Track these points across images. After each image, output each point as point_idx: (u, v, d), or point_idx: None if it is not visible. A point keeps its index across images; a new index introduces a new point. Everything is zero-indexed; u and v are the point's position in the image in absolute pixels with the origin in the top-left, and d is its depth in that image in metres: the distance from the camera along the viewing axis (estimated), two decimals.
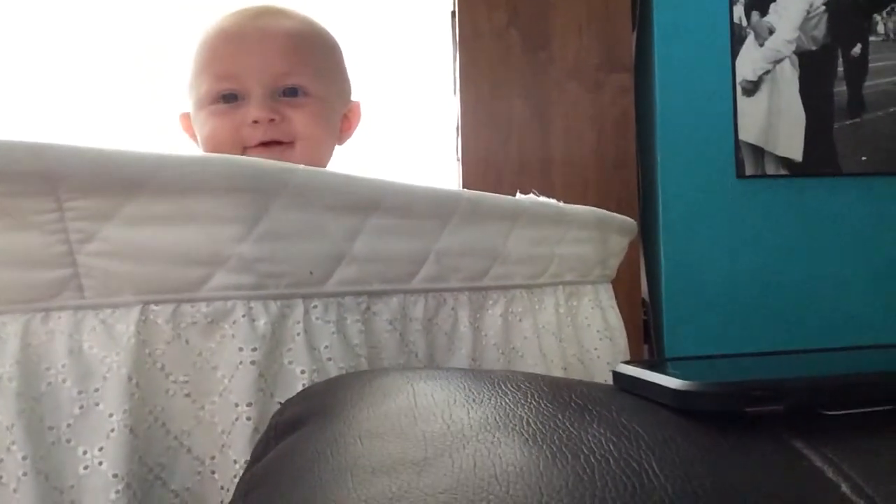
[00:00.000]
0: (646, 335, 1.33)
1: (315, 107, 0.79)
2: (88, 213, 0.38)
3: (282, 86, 0.77)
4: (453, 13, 1.57)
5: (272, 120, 0.75)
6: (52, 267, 0.38)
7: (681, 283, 1.30)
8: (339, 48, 0.86)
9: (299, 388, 0.40)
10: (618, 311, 0.69)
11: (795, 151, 1.34)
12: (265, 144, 0.76)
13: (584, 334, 0.63)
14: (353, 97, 0.89)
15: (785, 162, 1.34)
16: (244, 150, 0.75)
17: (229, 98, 0.76)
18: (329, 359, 0.43)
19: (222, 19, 0.79)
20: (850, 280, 1.31)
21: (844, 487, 0.22)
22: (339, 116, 0.85)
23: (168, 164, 0.39)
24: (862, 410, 0.27)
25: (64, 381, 0.38)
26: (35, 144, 0.36)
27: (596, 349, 0.63)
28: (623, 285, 0.80)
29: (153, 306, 0.40)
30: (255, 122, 0.75)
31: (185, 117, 0.83)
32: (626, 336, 0.68)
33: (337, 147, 0.88)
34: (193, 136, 0.83)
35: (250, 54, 0.76)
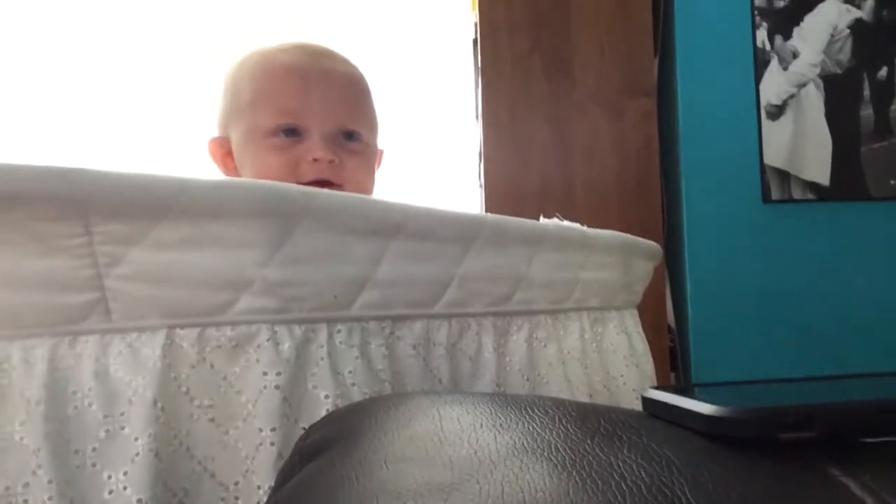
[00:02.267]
0: (672, 362, 1.31)
1: (366, 154, 0.82)
2: (116, 237, 0.38)
3: (342, 129, 0.79)
4: (475, 41, 1.59)
5: (332, 161, 0.77)
6: (80, 291, 0.38)
7: (707, 309, 1.28)
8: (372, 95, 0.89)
9: (323, 412, 0.40)
10: (644, 336, 0.68)
11: (822, 175, 1.33)
12: (319, 183, 0.77)
13: (610, 360, 0.62)
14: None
15: (812, 186, 1.33)
16: None
17: (290, 133, 0.77)
18: (353, 384, 0.43)
19: (281, 53, 0.80)
20: (880, 305, 1.28)
21: None
22: (376, 162, 0.88)
23: (193, 188, 0.40)
24: None
25: (90, 404, 0.38)
26: (64, 169, 0.37)
27: (622, 376, 0.63)
28: (648, 312, 0.79)
29: (179, 330, 0.40)
30: (316, 160, 0.76)
31: (218, 143, 0.83)
32: (652, 362, 0.67)
33: None
34: (223, 162, 0.83)
35: (316, 94, 0.78)
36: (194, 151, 0.88)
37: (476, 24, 1.47)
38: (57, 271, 0.38)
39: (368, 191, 0.84)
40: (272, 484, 0.35)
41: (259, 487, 0.39)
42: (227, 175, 0.82)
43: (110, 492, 0.37)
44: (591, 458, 0.25)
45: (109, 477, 0.37)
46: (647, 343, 0.68)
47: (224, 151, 0.82)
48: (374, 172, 0.86)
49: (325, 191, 0.45)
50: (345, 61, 0.84)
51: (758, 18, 1.36)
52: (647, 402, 0.32)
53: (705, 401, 0.28)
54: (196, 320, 0.40)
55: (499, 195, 1.34)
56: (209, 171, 0.87)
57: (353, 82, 0.82)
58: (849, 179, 1.33)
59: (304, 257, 0.43)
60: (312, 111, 0.77)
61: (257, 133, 0.78)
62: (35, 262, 0.38)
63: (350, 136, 0.80)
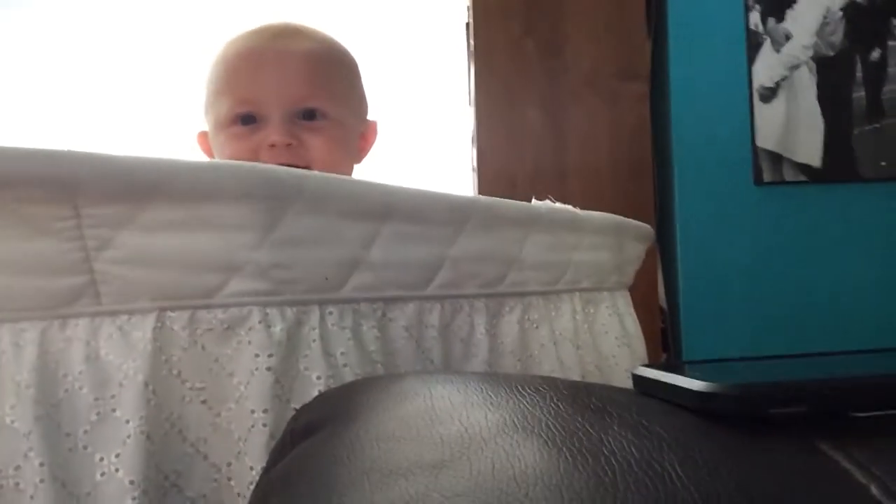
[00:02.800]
0: (664, 343, 1.31)
1: (332, 130, 0.79)
2: (105, 219, 0.38)
3: (300, 108, 0.77)
4: (468, 24, 1.58)
5: (289, 144, 0.75)
6: (70, 274, 0.38)
7: (699, 290, 1.29)
8: (356, 67, 0.86)
9: (315, 394, 0.40)
10: (636, 318, 0.68)
11: (814, 157, 1.33)
12: None
13: (602, 341, 0.63)
14: (370, 112, 0.90)
15: (804, 168, 1.33)
16: None
17: (248, 120, 0.76)
18: (345, 365, 0.43)
19: (239, 39, 0.79)
20: (871, 286, 1.29)
21: (873, 489, 0.22)
22: (356, 137, 0.85)
23: (184, 170, 0.39)
24: (888, 413, 0.27)
25: (81, 387, 0.38)
26: (53, 151, 0.36)
27: (614, 356, 0.63)
28: (640, 293, 0.79)
29: (170, 313, 0.40)
30: (273, 145, 0.75)
31: (203, 136, 0.83)
32: (644, 343, 0.68)
33: (358, 164, 0.88)
34: (210, 155, 0.83)
35: (269, 77, 0.76)
36: (190, 139, 0.88)
37: (469, 8, 1.46)
38: (46, 254, 0.38)
39: (343, 168, 0.82)
40: (264, 465, 0.35)
41: (251, 468, 0.39)
42: None
43: (102, 474, 0.37)
44: (581, 434, 0.25)
45: (101, 459, 0.37)
46: (638, 324, 0.68)
47: (208, 144, 0.83)
48: (348, 147, 0.83)
49: (316, 173, 0.44)
50: (307, 37, 0.80)
51: (750, 1, 1.35)
52: (637, 379, 0.32)
53: (696, 377, 0.28)
54: (187, 303, 0.40)
55: (491, 179, 1.33)
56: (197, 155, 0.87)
57: (312, 58, 0.79)
58: (840, 161, 1.33)
59: (295, 239, 0.43)
60: (267, 95, 0.76)
61: (221, 124, 0.78)
62: (23, 245, 0.38)
63: (310, 114, 0.77)
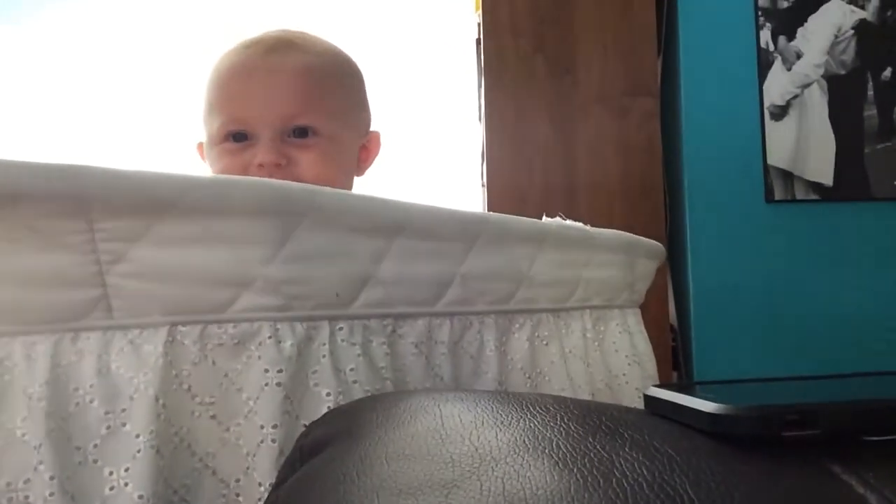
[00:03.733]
0: (674, 361, 1.31)
1: (325, 146, 0.77)
2: (118, 233, 0.38)
3: (290, 126, 0.75)
4: (478, 41, 1.59)
5: (278, 165, 0.74)
6: (82, 287, 0.38)
7: (710, 308, 1.28)
8: (357, 77, 0.84)
9: (325, 410, 0.40)
10: (646, 336, 0.68)
11: (826, 176, 1.33)
12: None
13: (612, 359, 0.62)
14: (378, 126, 0.88)
15: (815, 186, 1.32)
16: None
17: (239, 137, 0.76)
18: (355, 381, 0.43)
19: (232, 52, 0.77)
20: (884, 305, 1.28)
21: None
22: (354, 150, 0.83)
23: (196, 185, 0.40)
24: None
25: (92, 401, 0.38)
26: (67, 166, 0.37)
27: (624, 374, 0.62)
28: (651, 311, 0.79)
29: (181, 327, 0.40)
30: (261, 165, 0.73)
31: (202, 147, 0.83)
32: (655, 361, 0.67)
33: (361, 177, 0.87)
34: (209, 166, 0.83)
35: (258, 95, 0.75)
36: (193, 150, 0.88)
37: (479, 24, 1.47)
38: (59, 268, 0.38)
39: (339, 184, 0.78)
40: (273, 481, 0.35)
41: (260, 484, 0.39)
42: None
43: (111, 488, 0.37)
44: (592, 455, 0.25)
45: (111, 473, 0.37)
46: (649, 342, 0.67)
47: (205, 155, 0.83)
48: (344, 162, 0.81)
49: (328, 189, 0.45)
50: (301, 49, 0.78)
51: (762, 19, 1.36)
52: (649, 399, 0.32)
53: (707, 399, 0.27)
54: (198, 317, 0.40)
55: (501, 195, 1.34)
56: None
57: (303, 73, 0.76)
58: (852, 180, 1.33)
59: (306, 255, 0.43)
60: (256, 114, 0.74)
61: (213, 139, 0.77)
62: (37, 259, 0.38)
63: (303, 132, 0.76)
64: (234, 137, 0.76)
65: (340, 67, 0.82)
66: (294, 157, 0.75)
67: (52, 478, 0.36)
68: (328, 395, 0.41)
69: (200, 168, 0.86)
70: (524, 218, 0.56)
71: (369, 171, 0.89)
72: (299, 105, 0.75)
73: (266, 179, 0.42)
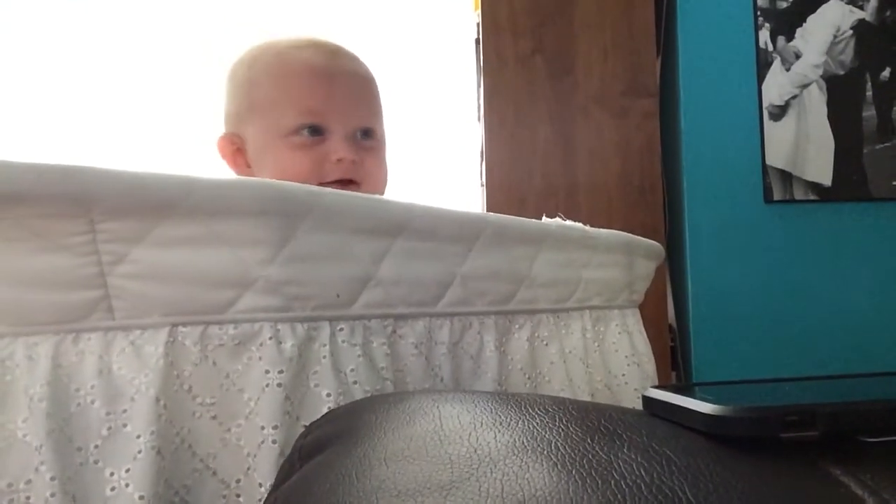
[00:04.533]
0: (673, 361, 1.31)
1: (381, 150, 0.84)
2: (120, 235, 0.38)
3: (361, 127, 0.80)
4: (477, 41, 1.59)
5: (354, 161, 0.78)
6: (84, 288, 0.39)
7: (708, 309, 1.28)
8: None
9: (325, 410, 0.40)
10: (646, 336, 0.68)
11: (824, 176, 1.33)
12: (342, 182, 0.78)
13: (612, 360, 0.63)
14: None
15: (814, 187, 1.32)
16: (320, 185, 0.76)
17: (313, 132, 0.78)
18: (355, 382, 0.43)
19: (298, 51, 0.80)
20: (881, 305, 1.28)
21: None
22: None
23: (198, 186, 0.40)
24: None
25: (93, 402, 0.38)
26: (68, 167, 0.37)
27: (623, 375, 0.63)
28: (650, 311, 0.79)
29: (181, 328, 0.40)
30: (340, 160, 0.77)
31: (229, 140, 0.82)
32: (654, 362, 0.67)
33: None
34: (233, 160, 0.81)
35: (339, 94, 0.79)
36: (195, 149, 0.87)
37: (478, 24, 1.47)
38: (61, 269, 0.38)
39: (383, 182, 0.85)
40: (273, 481, 0.35)
41: (261, 485, 0.39)
42: (238, 172, 0.81)
43: (112, 489, 0.37)
44: (591, 456, 0.25)
45: (112, 474, 0.37)
46: (648, 342, 0.68)
47: (234, 148, 0.81)
48: (386, 165, 0.87)
49: (329, 190, 0.45)
50: (357, 59, 0.85)
51: (760, 19, 1.36)
52: (647, 401, 0.32)
53: (706, 400, 0.28)
54: (199, 318, 0.40)
55: (501, 196, 1.34)
56: (210, 169, 0.86)
57: (369, 80, 0.84)
58: (851, 180, 1.33)
59: (307, 256, 0.43)
60: (336, 111, 0.78)
61: (280, 131, 0.78)
62: (39, 260, 0.38)
63: (367, 133, 0.81)
64: (309, 131, 0.77)
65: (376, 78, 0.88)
66: (362, 157, 0.80)
67: (53, 478, 0.36)
68: (328, 395, 0.41)
69: (201, 166, 0.85)
70: (524, 218, 0.56)
71: None
72: (369, 108, 0.82)
73: (266, 180, 0.43)
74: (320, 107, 0.78)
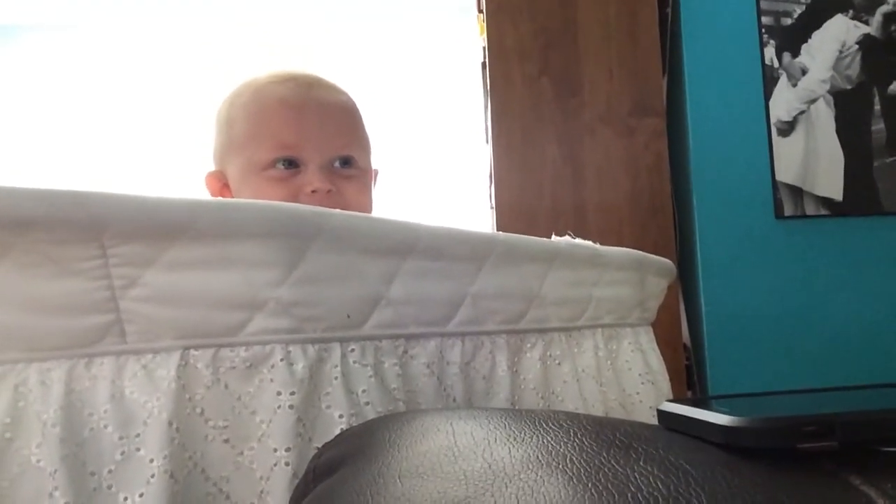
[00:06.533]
0: (688, 379, 1.30)
1: (362, 178, 0.83)
2: (131, 259, 0.39)
3: (337, 156, 0.80)
4: (484, 65, 1.60)
5: (329, 191, 0.78)
6: (96, 313, 0.39)
7: (722, 326, 1.27)
8: None
9: (337, 432, 0.40)
10: (659, 354, 0.68)
11: (835, 191, 1.32)
12: None
13: (625, 378, 0.62)
14: (388, 151, 0.91)
15: (825, 202, 1.32)
16: None
17: (288, 164, 0.79)
18: (367, 403, 0.43)
19: (276, 87, 0.81)
20: (895, 318, 1.27)
21: None
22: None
23: (208, 209, 0.40)
24: None
25: (106, 426, 0.38)
26: (80, 193, 0.37)
27: (638, 393, 0.62)
28: (663, 330, 0.79)
29: (193, 351, 0.40)
30: (314, 191, 0.77)
31: (216, 177, 0.84)
32: (668, 380, 0.67)
33: None
34: (221, 195, 0.83)
35: (312, 125, 0.79)
36: (196, 182, 0.88)
37: (484, 49, 1.48)
38: (73, 294, 0.38)
39: (367, 211, 0.85)
40: None
41: None
42: None
43: None
44: (606, 470, 0.25)
45: (125, 499, 0.37)
46: (662, 360, 0.67)
47: (221, 185, 0.83)
48: (370, 193, 0.87)
49: (338, 211, 0.45)
50: (336, 89, 0.85)
51: (765, 36, 1.36)
52: (662, 414, 0.31)
53: (722, 412, 0.27)
54: (210, 341, 0.40)
55: (510, 216, 1.34)
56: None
57: (346, 110, 0.84)
58: (861, 194, 1.32)
59: (317, 277, 0.43)
60: (309, 143, 0.79)
61: (255, 166, 0.79)
62: (51, 285, 0.38)
63: (346, 162, 0.81)
64: (283, 164, 0.78)
65: (358, 107, 0.88)
66: (339, 186, 0.80)
67: None
68: (341, 416, 0.41)
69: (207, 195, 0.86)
70: (533, 237, 0.56)
71: (384, 193, 0.92)
72: (346, 137, 0.82)
73: (276, 202, 0.43)
74: (293, 139, 0.78)
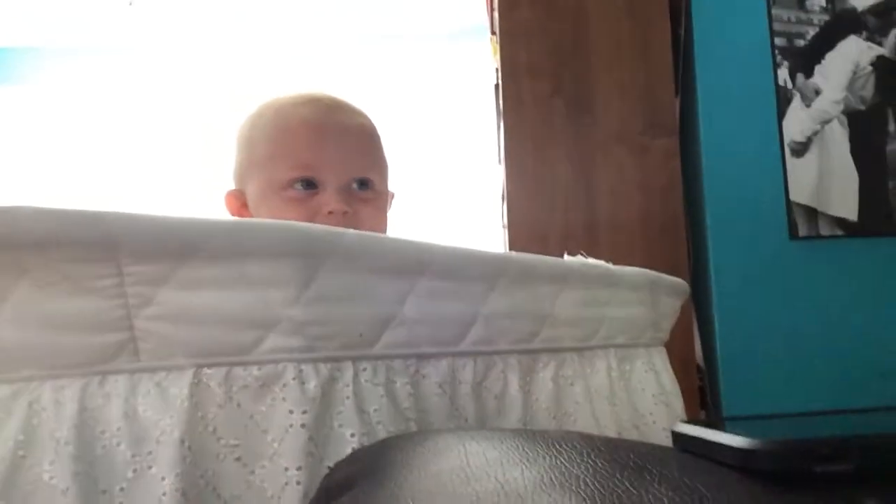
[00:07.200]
0: (702, 400, 1.28)
1: (378, 201, 0.84)
2: (146, 277, 0.39)
3: (355, 178, 0.81)
4: (496, 85, 1.61)
5: (346, 212, 0.79)
6: (111, 331, 0.39)
7: (736, 347, 1.26)
8: None
9: (348, 451, 0.40)
10: (673, 375, 0.67)
11: (850, 211, 1.31)
12: None
13: (639, 399, 0.62)
14: (402, 171, 0.92)
15: (840, 222, 1.31)
16: None
17: (307, 185, 0.79)
18: (378, 422, 0.43)
19: (297, 108, 0.82)
20: None
21: None
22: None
23: (222, 228, 0.40)
24: None
25: (118, 444, 0.38)
26: (97, 212, 0.38)
27: (651, 414, 0.61)
28: (676, 350, 0.78)
29: (206, 369, 0.40)
30: (331, 212, 0.78)
31: (235, 196, 0.85)
32: (682, 401, 0.66)
33: None
34: (239, 214, 0.84)
35: (331, 147, 0.80)
36: (215, 201, 0.89)
37: (497, 70, 1.49)
38: (88, 312, 0.39)
39: (382, 233, 0.86)
40: None
41: None
42: None
43: None
44: (620, 492, 0.24)
45: None
46: (676, 381, 0.67)
47: (239, 204, 0.84)
48: (386, 216, 0.88)
49: (352, 231, 0.45)
50: (357, 112, 0.86)
51: (778, 57, 1.36)
52: (677, 436, 0.31)
53: (737, 434, 0.27)
54: (223, 359, 0.40)
55: (522, 236, 1.34)
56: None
57: (365, 133, 0.85)
58: (877, 214, 1.31)
59: (330, 296, 0.43)
60: (328, 164, 0.80)
61: (274, 186, 0.80)
62: (67, 303, 0.38)
63: (363, 184, 0.82)
64: (302, 184, 0.79)
65: (377, 131, 0.88)
66: (356, 208, 0.81)
67: None
68: (352, 435, 0.41)
69: (224, 214, 0.87)
70: (546, 257, 0.56)
71: (397, 213, 0.94)
72: (365, 160, 0.83)
73: (289, 222, 0.43)
74: (313, 160, 0.79)
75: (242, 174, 0.84)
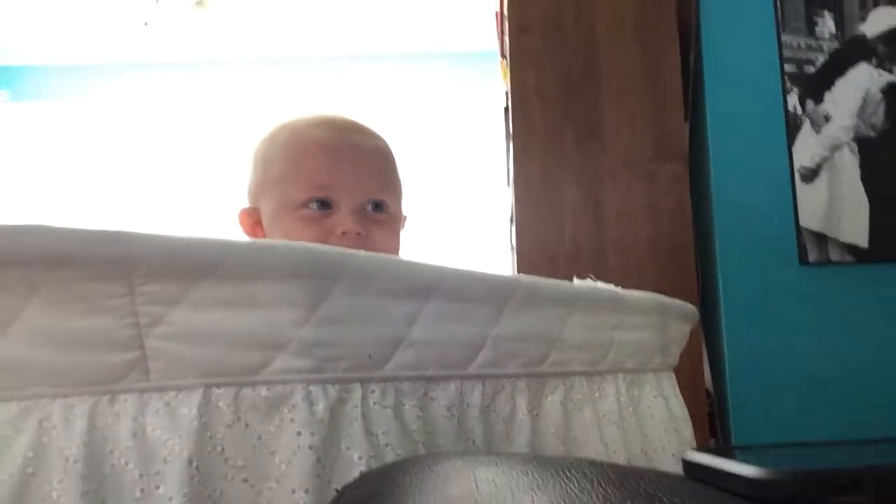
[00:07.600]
0: (711, 427, 1.27)
1: (392, 223, 0.85)
2: (158, 297, 0.39)
3: (370, 200, 0.82)
4: (506, 109, 1.62)
5: (359, 234, 0.79)
6: (121, 350, 0.39)
7: (746, 373, 1.25)
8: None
9: (356, 474, 0.40)
10: (682, 400, 0.67)
11: (860, 237, 1.31)
12: None
13: (648, 424, 0.61)
14: (411, 194, 0.93)
15: (850, 248, 1.31)
16: None
17: (321, 205, 0.80)
18: (387, 444, 0.42)
19: (311, 129, 0.83)
20: None
21: None
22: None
23: (235, 250, 0.40)
24: None
25: (127, 463, 0.38)
26: (111, 232, 0.38)
27: (660, 440, 0.61)
28: (685, 375, 0.77)
29: (215, 389, 0.40)
30: (344, 233, 0.78)
31: (248, 213, 0.85)
32: (691, 426, 0.66)
33: None
34: (252, 232, 0.85)
35: (346, 168, 0.81)
36: (226, 219, 0.89)
37: (507, 93, 1.50)
38: (100, 330, 0.39)
39: (395, 255, 0.86)
40: None
41: None
42: None
43: None
44: None
45: None
46: (685, 406, 0.66)
47: (253, 221, 0.85)
48: (399, 238, 0.88)
49: (362, 252, 0.45)
50: (372, 134, 0.87)
51: (788, 84, 1.37)
52: (687, 464, 0.31)
53: (748, 463, 0.27)
54: (233, 379, 0.40)
55: (531, 259, 1.34)
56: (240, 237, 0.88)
57: (381, 155, 0.86)
58: (888, 240, 1.31)
59: (339, 318, 0.43)
60: (343, 185, 0.80)
61: (289, 205, 0.80)
62: (79, 322, 0.39)
63: (378, 206, 0.82)
64: (316, 204, 0.79)
65: (393, 154, 0.89)
66: (369, 229, 0.81)
67: None
68: (360, 458, 0.41)
69: (235, 233, 0.88)
70: (555, 280, 0.56)
71: (406, 236, 0.93)
72: (379, 182, 0.83)
73: (301, 243, 0.43)
74: (328, 181, 0.80)
75: (257, 192, 0.85)
